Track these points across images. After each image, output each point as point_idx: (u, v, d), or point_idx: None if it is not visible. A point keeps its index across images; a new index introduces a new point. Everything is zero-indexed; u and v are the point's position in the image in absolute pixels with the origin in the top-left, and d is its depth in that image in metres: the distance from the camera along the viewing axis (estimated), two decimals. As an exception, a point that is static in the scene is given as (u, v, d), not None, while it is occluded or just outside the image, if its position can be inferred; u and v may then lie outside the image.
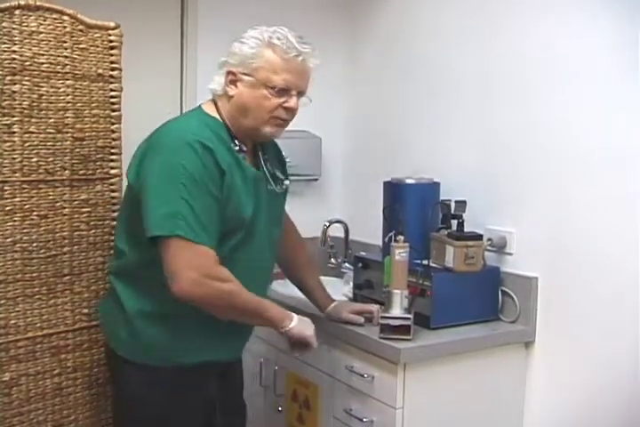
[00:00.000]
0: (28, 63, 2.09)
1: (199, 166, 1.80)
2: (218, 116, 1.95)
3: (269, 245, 2.05)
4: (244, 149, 1.95)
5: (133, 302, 1.95)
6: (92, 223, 2.27)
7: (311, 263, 2.39)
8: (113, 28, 2.27)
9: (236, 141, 1.93)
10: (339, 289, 2.61)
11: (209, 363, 1.98)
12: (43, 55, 2.12)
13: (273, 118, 1.92)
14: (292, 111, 1.93)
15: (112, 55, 2.28)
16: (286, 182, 2.10)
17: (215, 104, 1.97)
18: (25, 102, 2.10)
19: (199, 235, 1.78)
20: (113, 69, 2.28)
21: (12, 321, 2.11)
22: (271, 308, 1.96)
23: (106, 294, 2.19)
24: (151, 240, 1.81)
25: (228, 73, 1.92)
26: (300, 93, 1.94)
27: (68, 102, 2.19)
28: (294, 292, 2.39)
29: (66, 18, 2.17)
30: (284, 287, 2.51)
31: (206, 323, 1.92)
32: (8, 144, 2.07)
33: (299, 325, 1.98)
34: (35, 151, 2.13)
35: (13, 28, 2.06)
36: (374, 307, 2.24)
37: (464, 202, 2.36)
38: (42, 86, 2.13)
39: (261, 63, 1.88)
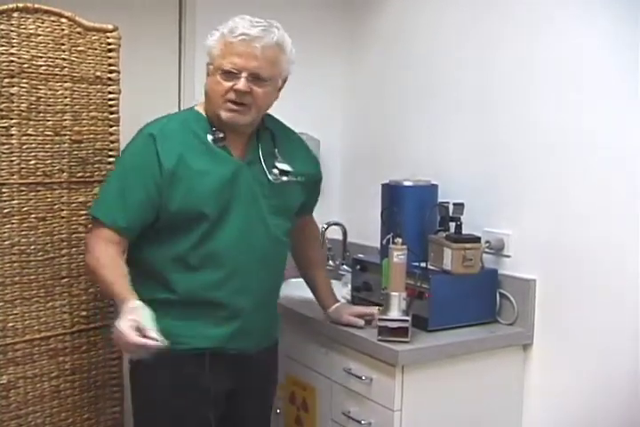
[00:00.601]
0: (26, 65, 2.09)
1: (135, 154, 2.00)
2: (203, 111, 2.05)
3: (266, 235, 2.05)
4: (220, 136, 2.00)
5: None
6: (90, 226, 2.26)
7: (323, 263, 2.43)
8: (111, 31, 2.27)
9: (214, 130, 2.01)
10: (337, 291, 2.60)
11: (198, 351, 1.99)
12: (41, 57, 2.12)
13: (225, 102, 1.96)
14: (241, 93, 1.93)
15: (110, 57, 2.28)
16: (284, 178, 2.08)
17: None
18: (23, 105, 2.10)
19: (107, 213, 1.96)
20: (111, 72, 2.28)
21: (10, 324, 2.11)
22: (119, 291, 1.89)
23: None
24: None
25: (206, 66, 2.04)
26: (253, 75, 1.93)
27: (66, 105, 2.19)
28: (290, 293, 2.39)
29: (64, 20, 2.17)
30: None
31: (190, 310, 1.96)
32: (6, 146, 2.07)
33: (118, 324, 1.78)
34: (33, 154, 2.13)
35: (11, 31, 2.06)
36: (374, 309, 2.24)
37: (462, 204, 2.36)
38: (40, 89, 2.13)
39: (216, 51, 1.97)
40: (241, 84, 1.93)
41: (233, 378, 2.07)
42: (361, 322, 2.24)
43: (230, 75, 1.93)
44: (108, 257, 1.94)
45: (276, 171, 2.07)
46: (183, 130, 2.00)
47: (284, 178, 2.08)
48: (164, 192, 1.94)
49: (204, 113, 2.04)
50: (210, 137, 2.00)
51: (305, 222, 2.31)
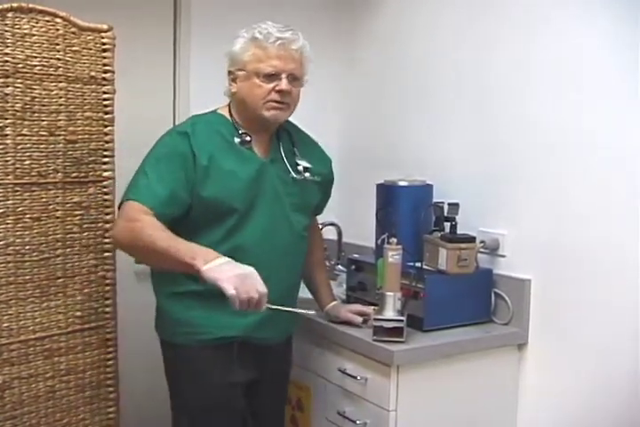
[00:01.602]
0: (20, 65, 2.09)
1: (168, 147, 2.03)
2: (227, 115, 2.12)
3: (290, 231, 2.13)
4: (247, 139, 2.08)
5: (159, 289, 2.13)
6: (84, 226, 2.26)
7: (324, 263, 2.46)
8: (106, 31, 2.27)
9: (240, 133, 2.08)
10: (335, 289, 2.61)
11: (227, 341, 2.04)
12: (35, 57, 2.12)
13: (267, 102, 2.04)
14: (285, 93, 2.04)
15: (105, 57, 2.27)
16: (306, 175, 2.16)
17: (229, 105, 2.15)
18: (17, 105, 2.09)
19: (142, 195, 1.95)
20: (106, 72, 2.28)
21: (5, 324, 2.11)
22: (185, 246, 1.83)
23: None
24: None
25: (229, 73, 2.09)
26: (292, 76, 2.05)
27: (61, 105, 2.19)
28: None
29: (58, 20, 2.16)
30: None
31: (217, 300, 1.89)
32: (0, 147, 2.06)
33: (216, 267, 1.76)
34: (27, 154, 2.12)
35: (6, 31, 2.05)
36: (370, 309, 2.25)
37: (457, 204, 2.36)
38: (34, 89, 2.13)
39: (249, 57, 2.03)
40: (284, 84, 2.02)
41: (256, 369, 2.12)
42: (359, 319, 2.26)
43: (271, 77, 2.02)
44: (152, 222, 1.91)
45: (300, 168, 2.16)
46: (211, 131, 2.07)
47: (307, 175, 2.16)
48: (198, 186, 1.99)
49: (228, 116, 2.12)
50: (237, 140, 2.08)
51: (312, 223, 2.34)
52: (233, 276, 1.74)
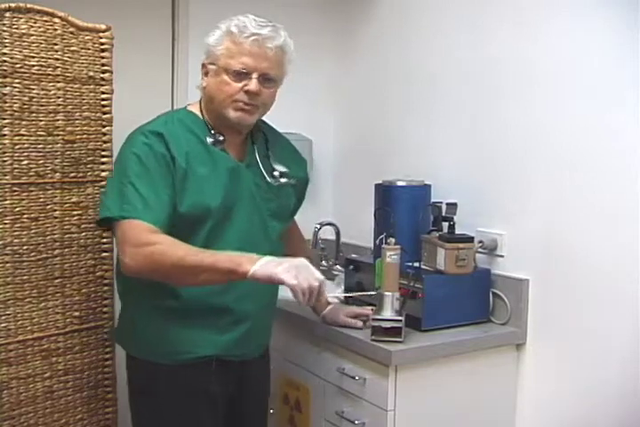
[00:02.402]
0: (18, 65, 2.09)
1: (146, 150, 1.88)
2: (198, 112, 2.02)
3: (265, 238, 2.05)
4: (220, 139, 1.98)
5: (129, 298, 2.05)
6: (82, 226, 2.26)
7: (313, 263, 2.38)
8: (104, 31, 2.27)
9: (212, 132, 1.98)
10: (330, 291, 2.61)
11: (206, 359, 1.98)
12: (33, 57, 2.12)
13: (234, 102, 1.94)
14: (253, 94, 1.92)
15: (103, 57, 2.27)
16: (282, 180, 2.08)
17: (200, 102, 2.04)
18: (15, 105, 2.09)
19: (139, 212, 1.83)
20: (104, 72, 2.28)
21: (3, 324, 2.10)
22: (220, 255, 1.78)
23: None
24: (101, 225, 1.93)
25: (202, 66, 1.99)
26: (264, 76, 1.93)
27: (59, 105, 2.19)
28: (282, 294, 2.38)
29: (57, 20, 2.16)
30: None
31: (196, 316, 1.94)
32: (-2, 147, 2.07)
33: (266, 264, 1.73)
34: (25, 154, 2.12)
35: (4, 31, 2.05)
36: (369, 310, 2.24)
37: (455, 204, 2.36)
38: (32, 89, 2.12)
39: (221, 50, 1.92)
40: (253, 85, 1.91)
41: (236, 385, 2.08)
42: (360, 323, 2.23)
43: (240, 75, 1.91)
44: (170, 240, 1.81)
45: (276, 173, 2.08)
46: (183, 130, 1.96)
47: (283, 180, 2.08)
48: (177, 188, 1.89)
49: (199, 114, 2.02)
50: (209, 139, 1.98)
51: (291, 224, 2.30)
52: (288, 267, 1.73)
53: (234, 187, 1.98)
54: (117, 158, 1.97)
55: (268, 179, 2.06)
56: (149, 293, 1.96)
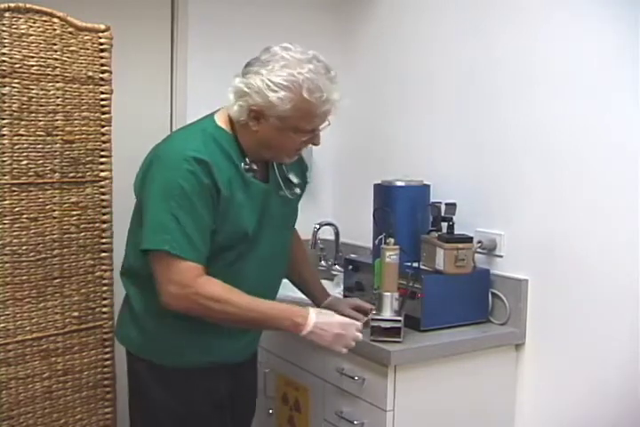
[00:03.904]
0: (17, 65, 2.09)
1: (193, 183, 1.79)
2: (230, 131, 1.92)
3: (281, 249, 2.07)
4: (254, 168, 1.93)
5: (141, 302, 1.98)
6: (82, 226, 2.26)
7: (308, 260, 2.39)
8: (103, 31, 2.27)
9: (247, 160, 1.92)
10: (329, 291, 2.61)
11: (217, 364, 1.99)
12: (32, 57, 2.12)
13: (295, 151, 1.95)
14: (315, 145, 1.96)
15: (102, 57, 2.27)
16: (297, 191, 2.08)
17: (229, 117, 1.92)
18: (15, 105, 2.09)
19: (185, 250, 1.79)
20: (103, 72, 2.28)
21: (2, 324, 2.11)
22: (269, 316, 1.87)
23: None
24: (143, 252, 1.84)
25: (251, 110, 1.85)
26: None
27: (58, 105, 2.19)
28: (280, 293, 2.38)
29: (56, 20, 2.17)
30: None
31: (213, 324, 1.92)
32: (-3, 147, 2.07)
33: (315, 330, 1.86)
34: (24, 154, 2.12)
35: (3, 31, 2.06)
36: (369, 305, 2.23)
37: (454, 204, 2.36)
38: (32, 89, 2.13)
39: (290, 112, 1.82)
40: (318, 139, 1.92)
41: (232, 387, 2.08)
42: (363, 318, 2.18)
43: (309, 132, 1.90)
44: (227, 289, 1.83)
45: (297, 190, 2.07)
46: (222, 155, 1.87)
47: (297, 191, 2.08)
48: (218, 218, 1.85)
49: (231, 134, 1.91)
50: (243, 165, 1.91)
51: None
52: (334, 336, 1.87)
53: (264, 210, 1.96)
54: (154, 181, 1.84)
55: (286, 193, 2.04)
56: (145, 297, 1.95)
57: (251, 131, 1.88)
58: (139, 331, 1.99)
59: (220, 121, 1.93)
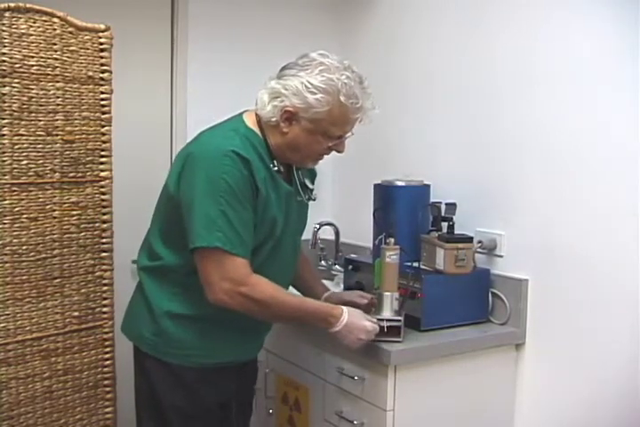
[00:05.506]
0: (17, 65, 2.09)
1: (238, 178, 1.82)
2: (259, 133, 1.93)
3: (293, 252, 2.09)
4: (282, 170, 1.97)
5: (163, 302, 1.96)
6: (82, 226, 2.26)
7: (308, 260, 2.39)
8: (103, 31, 2.27)
9: (275, 162, 1.94)
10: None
11: (228, 364, 2.01)
12: (33, 57, 2.12)
13: (319, 156, 1.99)
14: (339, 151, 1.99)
15: (102, 57, 2.27)
16: (313, 196, 2.11)
17: (258, 118, 1.94)
18: (15, 105, 2.09)
19: (235, 246, 1.82)
20: (103, 72, 2.28)
21: (2, 324, 2.11)
22: (309, 315, 1.97)
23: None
24: (192, 251, 1.84)
25: (285, 111, 1.88)
26: None
27: (58, 105, 2.19)
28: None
29: (56, 20, 2.17)
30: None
31: (230, 325, 1.95)
32: (-2, 146, 2.07)
33: (342, 330, 1.97)
34: (24, 154, 2.13)
35: (3, 31, 2.06)
36: (369, 295, 2.23)
37: (454, 204, 2.36)
38: (32, 89, 2.13)
39: (324, 115, 1.87)
40: (343, 146, 1.98)
41: (237, 386, 2.10)
42: (364, 300, 2.21)
43: (337, 138, 1.94)
44: (277, 288, 1.90)
45: (312, 195, 2.11)
46: (257, 154, 1.89)
47: (313, 196, 2.12)
48: (257, 215, 1.89)
49: (260, 135, 1.93)
50: (272, 167, 1.93)
51: None
52: (356, 340, 1.98)
53: (288, 211, 1.99)
54: (197, 179, 1.84)
55: (304, 199, 2.08)
56: (200, 302, 1.90)
57: (280, 132, 1.91)
58: (155, 329, 1.97)
59: (250, 122, 1.95)
